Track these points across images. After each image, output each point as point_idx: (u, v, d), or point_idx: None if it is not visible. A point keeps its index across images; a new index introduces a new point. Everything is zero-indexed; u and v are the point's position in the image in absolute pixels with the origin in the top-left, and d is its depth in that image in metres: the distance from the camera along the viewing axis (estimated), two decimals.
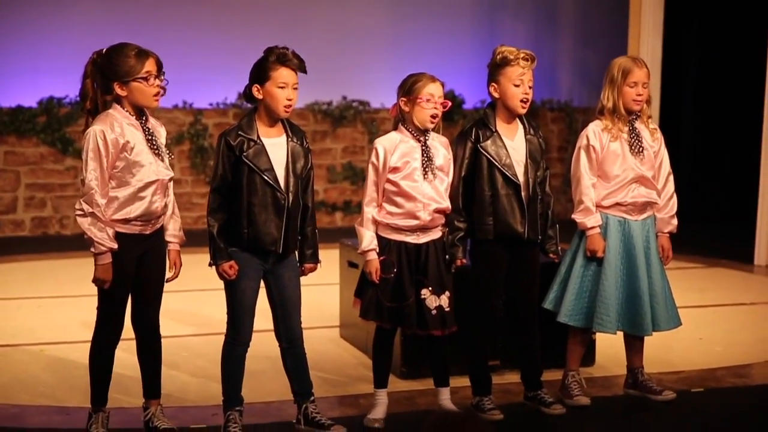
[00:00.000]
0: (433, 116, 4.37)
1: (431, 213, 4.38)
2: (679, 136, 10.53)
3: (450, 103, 4.45)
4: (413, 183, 4.36)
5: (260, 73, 4.18)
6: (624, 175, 4.70)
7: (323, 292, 6.36)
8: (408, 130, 4.41)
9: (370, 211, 4.40)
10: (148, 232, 4.18)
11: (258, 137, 4.17)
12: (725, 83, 10.48)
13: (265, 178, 4.14)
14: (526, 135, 4.58)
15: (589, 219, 4.70)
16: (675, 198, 4.87)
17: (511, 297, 4.63)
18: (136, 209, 4.10)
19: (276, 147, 4.21)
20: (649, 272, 4.73)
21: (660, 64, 8.90)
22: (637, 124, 4.74)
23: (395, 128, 4.47)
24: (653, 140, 4.77)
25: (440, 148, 4.47)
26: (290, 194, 4.20)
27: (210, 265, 4.23)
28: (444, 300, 4.41)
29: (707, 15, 10.50)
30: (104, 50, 4.15)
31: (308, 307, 6.05)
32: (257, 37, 10.05)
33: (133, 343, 4.38)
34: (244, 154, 4.14)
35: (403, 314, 4.38)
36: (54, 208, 9.66)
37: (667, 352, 5.63)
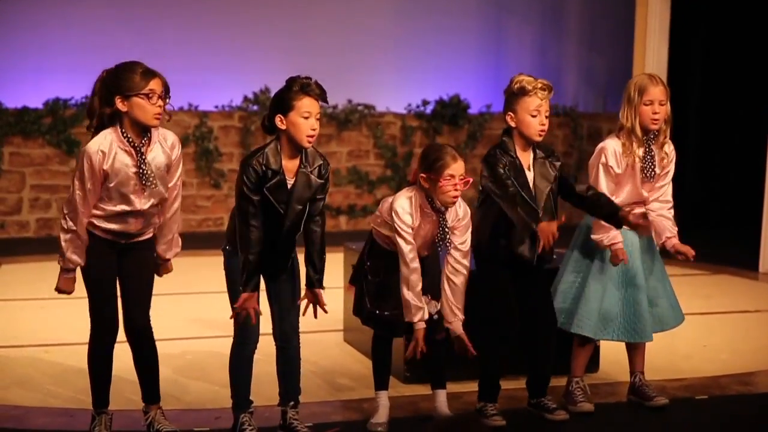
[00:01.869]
0: (454, 197, 4.34)
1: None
2: (685, 142, 10.50)
3: (471, 180, 4.38)
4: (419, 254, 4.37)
5: (283, 103, 4.14)
6: (630, 197, 4.70)
7: (327, 296, 6.30)
8: (427, 200, 4.38)
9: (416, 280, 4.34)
10: (123, 242, 4.19)
11: (281, 169, 4.15)
12: (731, 90, 10.46)
13: (280, 210, 4.15)
14: (536, 159, 4.56)
15: (605, 237, 4.66)
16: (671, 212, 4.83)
17: (530, 310, 4.59)
18: (112, 224, 4.13)
19: (296, 180, 4.19)
20: (652, 278, 4.74)
21: (666, 70, 8.89)
22: (654, 148, 4.70)
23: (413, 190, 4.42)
24: (666, 162, 4.74)
25: (461, 219, 4.43)
26: (287, 221, 4.18)
27: (242, 292, 4.19)
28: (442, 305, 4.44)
29: (713, 20, 10.48)
30: (113, 67, 4.15)
31: (312, 311, 6.04)
32: (263, 40, 10.15)
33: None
34: (267, 186, 4.12)
35: (400, 321, 4.39)
36: (59, 210, 9.65)
37: (671, 358, 5.62)
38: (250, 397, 4.35)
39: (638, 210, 4.70)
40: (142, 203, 4.12)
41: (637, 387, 4.88)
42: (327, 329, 5.93)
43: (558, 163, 4.61)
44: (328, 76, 10.36)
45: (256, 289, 4.17)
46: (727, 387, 5.20)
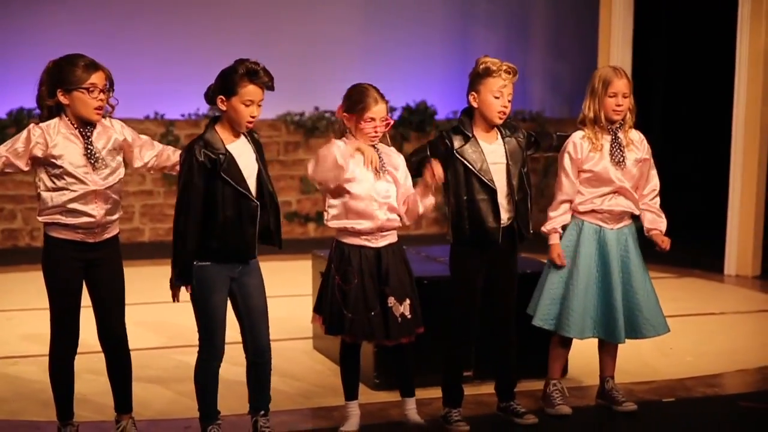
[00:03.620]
0: (373, 137, 4.38)
1: (386, 212, 4.39)
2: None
3: (392, 121, 4.45)
4: (364, 184, 4.35)
5: (227, 85, 4.13)
6: (603, 185, 4.73)
7: (296, 304, 6.35)
8: (354, 138, 4.42)
9: None
10: (92, 241, 4.15)
11: (225, 149, 4.14)
12: (694, 94, 10.56)
13: (240, 189, 4.12)
14: (504, 138, 4.60)
15: (550, 222, 4.75)
16: (658, 200, 4.90)
17: (489, 305, 4.64)
18: (72, 219, 4.08)
19: (242, 153, 4.18)
20: (630, 282, 4.74)
21: (630, 74, 8.95)
22: (620, 134, 4.76)
23: (341, 135, 4.45)
24: (638, 150, 4.79)
25: (392, 154, 4.49)
26: (265, 197, 4.17)
27: (176, 285, 4.16)
28: (406, 307, 4.41)
29: (676, 27, 10.58)
30: (58, 58, 4.15)
31: (281, 319, 6.04)
32: (229, 48, 10.03)
33: (103, 355, 4.35)
34: (221, 170, 4.10)
35: (371, 326, 4.37)
36: (24, 220, 9.59)
37: (639, 361, 5.66)
38: (218, 408, 4.33)
39: (619, 208, 4.72)
40: (98, 182, 4.09)
41: (606, 391, 4.91)
42: (296, 337, 5.94)
43: (522, 138, 4.65)
44: (295, 84, 10.36)
45: (190, 281, 4.14)
46: (693, 389, 5.25)
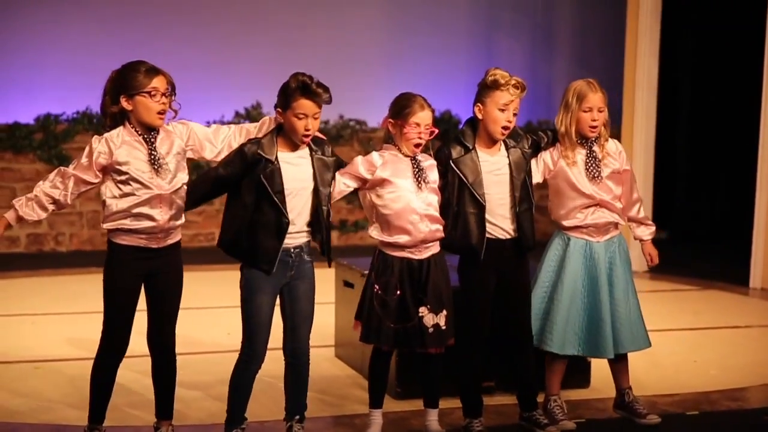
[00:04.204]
0: (417, 145, 4.38)
1: (428, 224, 4.39)
2: (674, 156, 10.55)
3: (437, 131, 4.44)
4: (406, 198, 4.36)
5: (283, 100, 4.21)
6: (581, 201, 4.68)
7: (319, 312, 6.30)
8: (397, 148, 4.43)
9: None
10: (155, 246, 4.18)
11: (276, 158, 4.19)
12: (721, 103, 10.52)
13: (275, 200, 4.16)
14: (508, 149, 4.58)
15: None
16: (643, 210, 4.88)
17: (503, 317, 4.63)
18: (137, 223, 4.12)
19: (295, 166, 4.23)
20: (613, 293, 4.70)
21: (656, 84, 8.93)
22: (596, 148, 4.70)
23: (385, 142, 4.47)
24: (615, 161, 4.73)
25: (432, 165, 4.49)
26: (313, 216, 4.23)
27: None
28: (441, 318, 4.41)
29: (703, 35, 10.54)
30: (121, 66, 4.22)
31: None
32: (254, 56, 10.16)
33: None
34: (263, 173, 4.16)
35: (408, 335, 4.38)
36: (49, 225, 9.65)
37: (662, 374, 5.63)
38: (245, 414, 4.34)
39: (603, 220, 4.70)
40: (162, 186, 4.14)
41: (627, 404, 4.87)
42: (318, 344, 5.92)
43: (528, 146, 4.63)
44: None
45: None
46: (718, 402, 5.21)
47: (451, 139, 4.58)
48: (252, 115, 9.85)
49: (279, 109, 4.22)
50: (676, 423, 4.87)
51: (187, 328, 6.53)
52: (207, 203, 10.08)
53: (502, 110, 4.48)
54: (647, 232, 4.89)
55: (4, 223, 4.14)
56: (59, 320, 6.77)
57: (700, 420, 4.95)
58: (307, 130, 4.19)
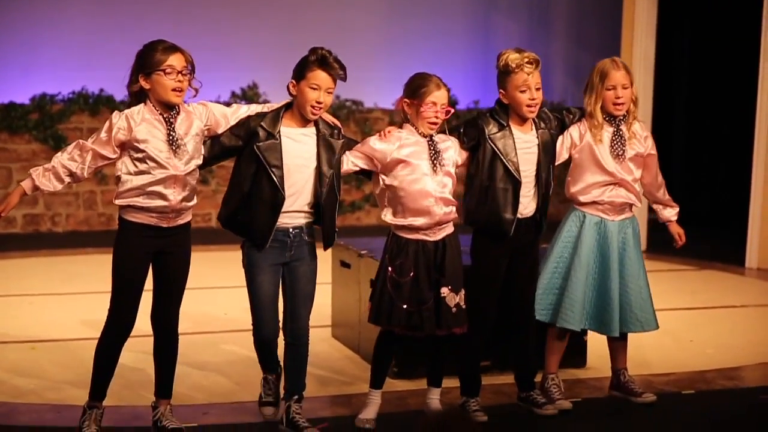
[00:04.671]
0: (433, 123, 4.38)
1: (442, 207, 4.38)
2: (671, 138, 10.55)
3: (452, 110, 4.44)
4: (422, 180, 4.35)
5: (299, 71, 4.24)
6: (602, 178, 4.70)
7: (315, 292, 6.35)
8: (413, 127, 4.42)
9: None
10: (165, 226, 4.19)
11: (278, 132, 4.22)
12: (718, 85, 10.50)
13: (270, 173, 4.18)
14: (538, 130, 4.59)
15: None
16: (667, 193, 4.94)
17: (508, 295, 4.63)
18: (149, 201, 4.13)
19: (298, 142, 4.24)
20: (623, 274, 4.72)
21: (653, 66, 8.92)
22: (623, 127, 4.72)
23: (401, 125, 4.46)
24: (640, 145, 4.75)
25: (450, 146, 4.48)
26: (317, 197, 4.24)
27: None
28: (461, 298, 4.42)
29: (700, 16, 10.52)
30: (143, 45, 4.23)
31: None
32: (251, 36, 10.12)
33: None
34: (258, 144, 4.19)
35: (422, 318, 4.37)
36: (46, 206, 9.64)
37: (658, 353, 5.64)
38: (278, 361, 4.48)
39: (620, 199, 4.71)
40: (178, 167, 4.14)
41: (622, 383, 4.88)
42: (315, 325, 5.91)
43: (555, 128, 4.65)
44: None
45: None
46: (713, 382, 5.22)
47: (484, 115, 4.57)
48: (248, 95, 9.82)
49: (293, 81, 4.24)
50: (671, 402, 4.88)
51: (185, 308, 6.53)
52: (204, 184, 10.08)
53: (523, 91, 4.48)
54: (673, 212, 4.95)
55: (20, 191, 4.15)
56: (56, 300, 6.77)
57: (696, 399, 4.96)
58: (319, 102, 4.20)
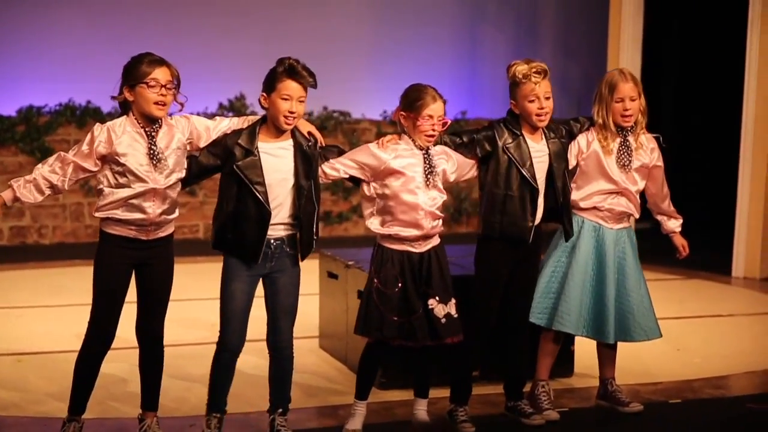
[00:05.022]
0: (430, 136, 4.38)
1: (431, 221, 4.39)
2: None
3: (449, 121, 4.45)
4: (414, 193, 4.35)
5: (268, 83, 4.22)
6: (606, 186, 4.73)
7: (303, 303, 6.28)
8: (411, 140, 4.42)
9: None
10: (144, 238, 4.17)
11: (256, 148, 4.20)
12: (704, 94, 10.55)
13: (253, 189, 4.16)
14: (548, 140, 4.62)
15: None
16: (672, 205, 5.02)
17: (506, 303, 4.63)
18: (128, 214, 4.11)
19: (276, 156, 4.22)
20: (624, 284, 4.74)
21: (639, 74, 8.94)
22: (630, 138, 4.75)
23: (400, 135, 4.46)
24: (646, 155, 4.78)
25: (442, 158, 4.47)
26: (298, 209, 4.21)
27: None
28: (451, 307, 4.40)
29: (686, 27, 10.57)
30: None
31: None
32: (238, 47, 10.13)
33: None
34: (238, 164, 4.17)
35: (413, 328, 4.36)
36: (32, 218, 9.62)
37: (645, 362, 5.65)
38: (225, 401, 4.34)
39: (620, 208, 4.74)
40: (158, 181, 4.13)
41: (609, 393, 4.89)
42: (302, 336, 5.91)
43: (565, 136, 4.68)
44: None
45: None
46: (700, 390, 5.23)
47: (498, 124, 4.59)
48: (236, 106, 9.82)
49: (264, 94, 4.22)
50: (659, 411, 4.89)
51: (172, 319, 6.51)
52: (192, 196, 10.07)
53: (532, 101, 4.51)
54: (677, 224, 5.00)
55: (0, 201, 4.14)
56: (43, 313, 6.75)
57: (683, 408, 4.97)
58: (291, 112, 4.19)
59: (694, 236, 9.71)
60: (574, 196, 4.76)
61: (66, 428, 4.24)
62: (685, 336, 6.35)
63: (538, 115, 4.52)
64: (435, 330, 4.37)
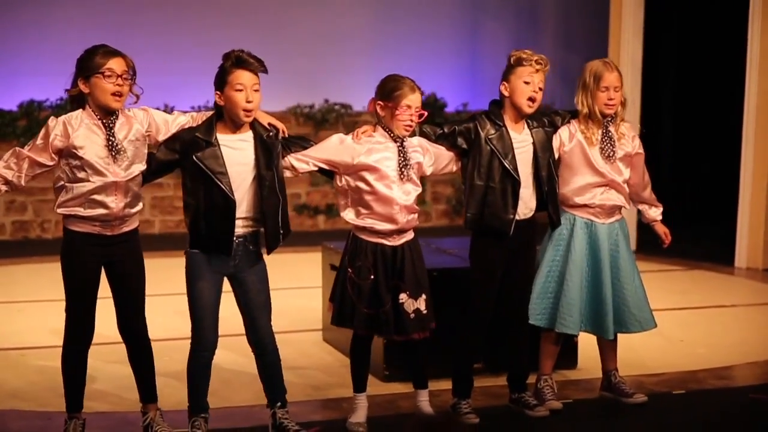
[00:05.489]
0: (408, 126, 4.37)
1: (406, 215, 4.38)
2: (659, 138, 10.56)
3: (426, 113, 4.44)
4: (388, 187, 4.34)
5: (219, 80, 4.17)
6: (593, 179, 4.71)
7: (306, 296, 6.36)
8: (385, 131, 4.41)
9: None
10: (110, 234, 4.14)
11: (215, 139, 4.14)
12: (705, 85, 10.52)
13: (215, 180, 4.11)
14: (531, 129, 4.61)
15: None
16: (653, 194, 4.96)
17: (504, 296, 4.63)
18: (90, 210, 4.08)
19: (237, 148, 4.17)
20: (618, 276, 4.73)
21: (640, 66, 8.93)
22: (611, 128, 4.74)
23: (375, 126, 4.45)
24: (628, 144, 4.77)
25: (416, 150, 4.46)
26: (263, 199, 4.15)
27: None
28: (421, 303, 4.40)
29: (687, 17, 10.54)
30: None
31: (291, 311, 6.04)
32: (239, 40, 10.00)
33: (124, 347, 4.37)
34: (197, 155, 4.12)
35: (380, 321, 4.36)
36: (35, 212, 9.61)
37: (649, 354, 5.65)
38: (206, 401, 4.31)
39: (610, 202, 4.72)
40: (117, 174, 4.08)
41: (613, 384, 4.89)
42: (306, 329, 5.94)
43: (549, 126, 4.67)
44: (305, 76, 10.34)
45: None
46: (705, 381, 5.23)
47: (479, 116, 4.59)
48: None
49: (218, 93, 4.16)
50: (662, 402, 4.89)
51: (173, 313, 6.50)
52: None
53: (527, 82, 4.51)
54: (658, 212, 4.97)
55: None
56: (45, 308, 6.75)
57: (687, 399, 4.97)
58: (249, 102, 4.12)
59: (696, 227, 9.76)
60: (563, 190, 4.74)
61: (68, 426, 4.24)
62: (688, 327, 6.35)
63: (529, 99, 4.51)
64: (402, 325, 4.36)
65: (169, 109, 9.70)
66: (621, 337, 4.92)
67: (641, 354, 5.58)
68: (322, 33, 10.30)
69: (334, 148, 4.37)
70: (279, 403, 4.35)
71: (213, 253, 4.18)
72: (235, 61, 4.14)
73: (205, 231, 4.16)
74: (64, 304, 4.23)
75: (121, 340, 4.31)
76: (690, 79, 10.57)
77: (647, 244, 8.02)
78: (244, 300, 4.26)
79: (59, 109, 9.55)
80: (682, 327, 6.31)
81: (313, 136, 10.15)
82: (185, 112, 4.31)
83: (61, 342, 4.28)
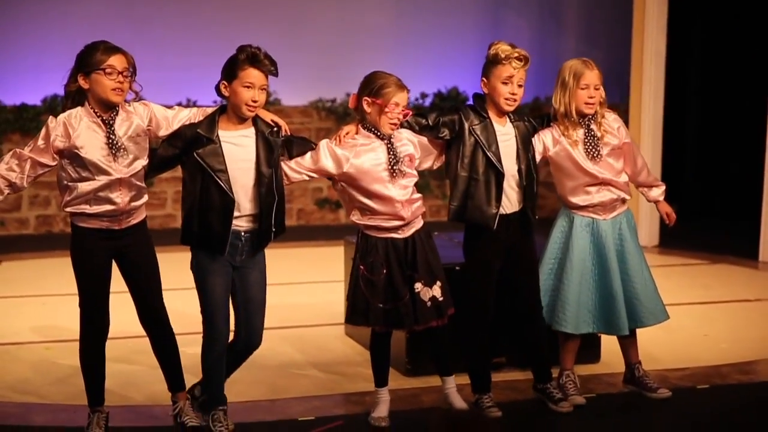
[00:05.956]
0: (394, 125, 4.35)
1: (409, 209, 4.36)
2: (684, 133, 10.52)
3: (410, 112, 4.41)
4: (384, 187, 4.33)
5: (229, 71, 4.16)
6: (585, 179, 4.67)
7: (328, 290, 6.35)
8: (370, 129, 4.37)
9: None
10: (117, 228, 4.15)
11: (216, 136, 4.14)
12: (730, 80, 10.46)
13: (215, 177, 4.10)
14: (513, 122, 4.58)
15: None
16: (650, 173, 4.90)
17: (511, 291, 4.62)
18: (97, 207, 4.09)
19: (239, 145, 4.16)
20: (627, 271, 4.70)
21: (664, 62, 8.88)
22: (593, 127, 4.69)
23: (357, 126, 4.40)
24: (614, 137, 4.72)
25: (402, 142, 4.43)
26: (261, 197, 4.14)
27: None
28: (436, 290, 4.39)
29: (712, 11, 10.48)
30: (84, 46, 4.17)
31: (313, 305, 6.05)
32: (261, 34, 10.03)
33: (146, 340, 4.39)
34: (198, 151, 4.11)
35: (399, 314, 4.36)
36: (59, 206, 9.62)
37: (673, 348, 5.63)
38: (224, 393, 4.31)
39: (609, 197, 4.69)
40: (120, 171, 4.09)
41: (637, 378, 4.87)
42: (328, 323, 5.94)
43: (529, 123, 4.63)
44: (327, 70, 10.32)
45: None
46: (728, 376, 5.21)
47: (464, 107, 4.56)
48: None
49: (225, 82, 4.16)
50: (686, 397, 4.87)
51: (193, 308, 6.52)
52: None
53: (505, 83, 4.48)
54: (659, 192, 4.90)
55: None
56: (68, 301, 6.75)
57: (711, 393, 4.95)
58: (254, 101, 4.12)
59: (720, 221, 9.71)
60: (560, 193, 4.73)
61: (91, 419, 4.26)
62: (712, 321, 6.31)
63: (507, 99, 4.48)
64: (420, 314, 4.36)
65: (191, 103, 9.74)
66: (642, 331, 4.90)
67: (664, 348, 5.55)
68: (344, 28, 10.30)
69: (324, 158, 4.33)
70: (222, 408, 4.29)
71: (207, 250, 4.17)
72: (251, 57, 4.14)
73: (198, 229, 4.16)
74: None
75: (132, 334, 4.30)
76: (715, 74, 10.51)
77: (669, 237, 8.01)
78: (244, 296, 4.25)
79: None
80: (706, 321, 6.28)
81: (335, 130, 10.18)
82: (208, 106, 4.29)
83: None
